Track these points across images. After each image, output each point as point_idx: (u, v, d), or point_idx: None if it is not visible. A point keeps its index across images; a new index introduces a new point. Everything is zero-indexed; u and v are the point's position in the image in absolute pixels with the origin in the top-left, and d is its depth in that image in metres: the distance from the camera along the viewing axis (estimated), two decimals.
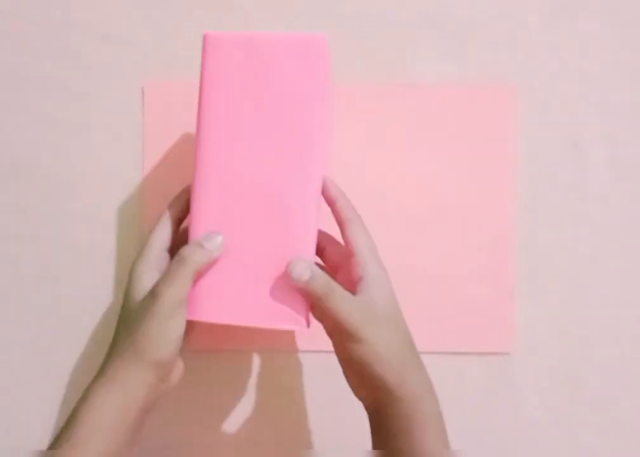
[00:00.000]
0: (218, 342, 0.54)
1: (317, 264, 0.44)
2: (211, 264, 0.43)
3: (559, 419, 0.55)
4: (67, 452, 0.40)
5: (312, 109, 0.42)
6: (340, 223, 0.44)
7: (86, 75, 0.55)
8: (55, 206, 0.55)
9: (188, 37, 0.55)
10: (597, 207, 0.55)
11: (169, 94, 0.55)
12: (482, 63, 0.55)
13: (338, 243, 0.47)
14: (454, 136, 0.55)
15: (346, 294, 0.42)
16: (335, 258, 0.46)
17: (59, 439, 0.41)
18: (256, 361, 0.55)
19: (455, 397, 0.55)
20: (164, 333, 0.41)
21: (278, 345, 0.55)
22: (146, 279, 0.43)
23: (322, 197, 0.44)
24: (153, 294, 0.41)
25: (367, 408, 0.45)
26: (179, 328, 0.42)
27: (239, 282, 0.42)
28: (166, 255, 0.45)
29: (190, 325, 0.43)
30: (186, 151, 0.55)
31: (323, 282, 0.41)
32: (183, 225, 0.46)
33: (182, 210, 0.46)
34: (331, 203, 0.45)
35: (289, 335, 0.55)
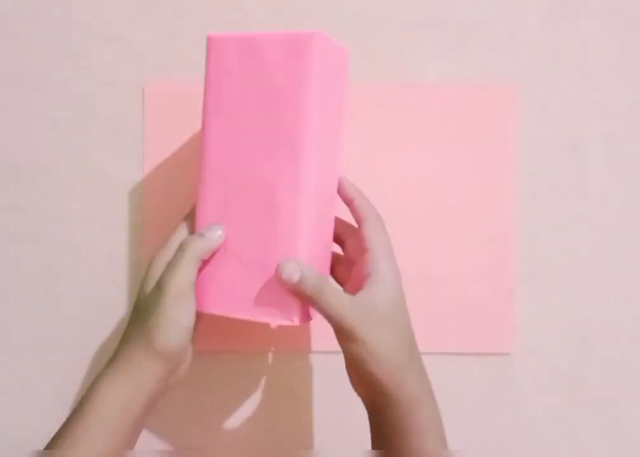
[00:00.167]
0: (219, 343, 0.54)
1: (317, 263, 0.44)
2: (211, 258, 0.44)
3: (559, 419, 0.55)
4: (67, 453, 0.40)
5: (300, 107, 0.42)
6: (358, 222, 0.45)
7: (86, 75, 0.55)
8: (55, 206, 0.55)
9: (188, 36, 0.55)
10: (597, 207, 0.55)
11: (169, 94, 0.55)
12: (482, 63, 0.55)
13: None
14: (454, 136, 0.55)
15: (340, 293, 0.42)
16: (353, 251, 0.47)
17: (60, 435, 0.41)
18: (256, 362, 0.55)
19: (455, 397, 0.55)
20: (172, 323, 0.41)
21: (278, 346, 0.55)
22: (162, 270, 0.43)
23: (323, 195, 0.44)
24: (158, 284, 0.42)
25: (366, 407, 0.45)
26: (187, 317, 0.42)
27: (234, 277, 0.43)
28: None
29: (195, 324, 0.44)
30: (187, 151, 0.55)
31: (313, 283, 0.41)
32: None
33: None
34: (348, 202, 0.45)
35: (290, 336, 0.55)
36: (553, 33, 0.55)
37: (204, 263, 0.44)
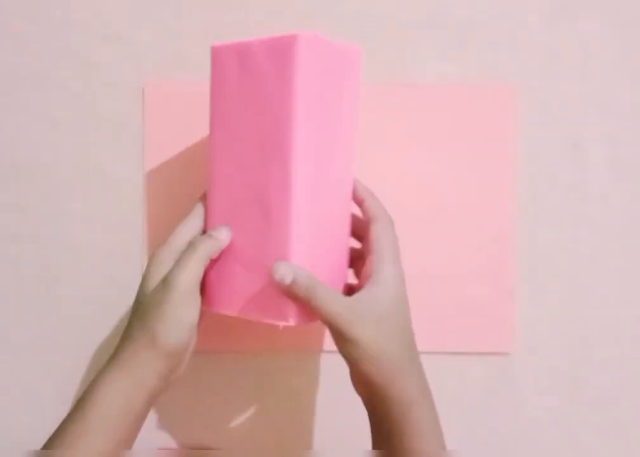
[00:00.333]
0: (219, 343, 0.54)
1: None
2: (216, 259, 0.44)
3: (559, 419, 0.55)
4: (68, 452, 0.40)
5: (287, 109, 0.41)
6: (368, 222, 0.45)
7: (86, 75, 0.55)
8: (55, 206, 0.55)
9: (188, 36, 0.55)
10: (597, 207, 0.55)
11: (169, 94, 0.55)
12: (482, 63, 0.55)
13: None
14: (455, 136, 0.55)
15: (333, 295, 0.42)
16: (365, 249, 0.46)
17: (61, 432, 0.41)
18: (256, 362, 0.55)
19: (455, 397, 0.55)
20: (177, 320, 0.42)
21: (278, 346, 0.55)
22: (165, 267, 0.43)
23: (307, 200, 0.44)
24: (165, 281, 0.42)
25: (365, 406, 0.45)
26: (192, 315, 0.42)
27: (234, 276, 0.44)
28: None
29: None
30: (187, 150, 0.55)
31: (306, 284, 0.41)
32: None
33: None
34: (359, 203, 0.46)
35: (290, 336, 0.55)
36: (553, 33, 0.55)
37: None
